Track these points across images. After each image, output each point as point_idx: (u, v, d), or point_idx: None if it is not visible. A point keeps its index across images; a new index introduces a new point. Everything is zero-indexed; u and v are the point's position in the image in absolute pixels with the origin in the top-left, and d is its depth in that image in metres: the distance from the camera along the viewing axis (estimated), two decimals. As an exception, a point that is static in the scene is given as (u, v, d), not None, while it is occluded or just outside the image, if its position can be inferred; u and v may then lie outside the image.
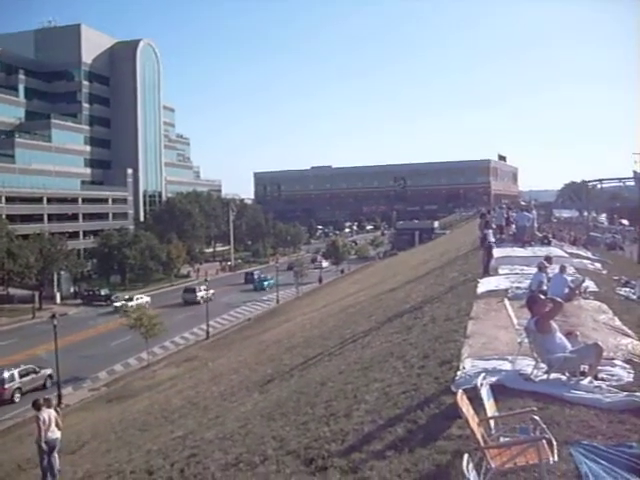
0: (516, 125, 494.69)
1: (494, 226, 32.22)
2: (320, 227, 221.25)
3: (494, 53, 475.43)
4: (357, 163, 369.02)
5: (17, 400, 45.20)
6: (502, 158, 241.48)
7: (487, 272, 24.93)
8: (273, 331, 46.98)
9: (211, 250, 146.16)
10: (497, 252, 28.15)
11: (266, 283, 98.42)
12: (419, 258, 63.99)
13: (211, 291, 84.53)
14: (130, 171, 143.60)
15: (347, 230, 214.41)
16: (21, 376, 47.00)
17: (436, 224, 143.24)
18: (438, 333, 16.22)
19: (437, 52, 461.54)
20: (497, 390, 10.29)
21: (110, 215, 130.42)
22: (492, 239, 27.02)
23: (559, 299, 11.78)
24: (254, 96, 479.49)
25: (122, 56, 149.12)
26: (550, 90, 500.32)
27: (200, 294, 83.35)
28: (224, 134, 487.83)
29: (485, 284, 22.45)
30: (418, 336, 16.97)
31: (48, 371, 48.47)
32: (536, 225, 36.05)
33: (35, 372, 48.24)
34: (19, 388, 46.39)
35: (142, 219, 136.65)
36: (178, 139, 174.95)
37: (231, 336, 59.77)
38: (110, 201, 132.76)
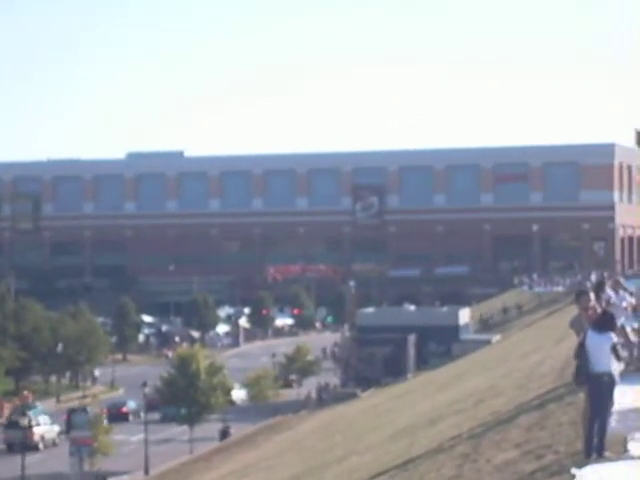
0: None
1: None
2: (148, 319, 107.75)
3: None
4: (249, 147, 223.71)
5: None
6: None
7: (595, 450, 9.87)
8: None
9: None
10: (624, 394, 11.80)
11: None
12: (416, 408, 29.85)
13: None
14: None
15: (222, 329, 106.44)
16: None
17: (464, 316, 70.70)
18: None
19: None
20: None
21: None
22: (615, 366, 9.79)
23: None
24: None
25: None
26: None
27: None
28: None
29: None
30: None
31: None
32: None
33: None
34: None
35: None
36: None
37: None
38: None
